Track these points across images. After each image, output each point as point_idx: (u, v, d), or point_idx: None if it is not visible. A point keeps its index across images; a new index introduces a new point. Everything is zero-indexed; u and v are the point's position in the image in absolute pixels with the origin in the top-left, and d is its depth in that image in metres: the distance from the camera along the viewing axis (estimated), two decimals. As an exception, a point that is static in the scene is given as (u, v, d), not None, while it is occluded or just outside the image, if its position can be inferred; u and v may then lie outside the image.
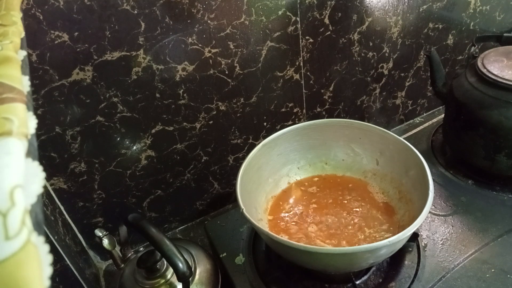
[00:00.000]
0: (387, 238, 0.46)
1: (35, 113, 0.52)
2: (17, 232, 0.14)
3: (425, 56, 0.87)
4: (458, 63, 0.96)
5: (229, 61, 0.65)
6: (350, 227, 0.62)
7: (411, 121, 1.01)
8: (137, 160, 0.67)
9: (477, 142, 0.70)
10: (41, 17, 0.49)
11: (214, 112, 0.69)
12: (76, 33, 0.52)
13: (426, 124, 0.97)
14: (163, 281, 0.56)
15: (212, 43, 0.62)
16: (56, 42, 0.51)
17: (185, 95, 0.65)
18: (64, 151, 0.60)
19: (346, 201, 0.66)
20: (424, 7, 0.81)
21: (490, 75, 0.67)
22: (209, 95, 0.67)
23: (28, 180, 0.17)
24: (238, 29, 0.63)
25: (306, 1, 0.67)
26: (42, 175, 0.18)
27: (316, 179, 0.72)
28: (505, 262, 0.59)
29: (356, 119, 0.84)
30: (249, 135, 0.76)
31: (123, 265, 0.61)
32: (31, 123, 0.19)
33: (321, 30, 0.72)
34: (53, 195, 0.62)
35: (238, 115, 0.72)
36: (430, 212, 0.66)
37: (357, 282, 0.59)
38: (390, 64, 0.86)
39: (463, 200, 0.70)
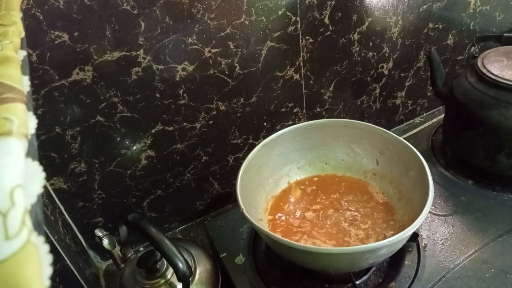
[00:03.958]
0: (387, 238, 0.46)
1: (35, 113, 0.52)
2: (17, 232, 0.14)
3: (425, 56, 0.87)
4: (458, 63, 0.96)
5: (229, 61, 0.65)
6: (350, 227, 0.61)
7: (411, 121, 1.01)
8: (137, 160, 0.67)
9: (477, 142, 0.70)
10: (41, 17, 0.49)
11: (214, 112, 0.69)
12: (76, 33, 0.52)
13: (426, 124, 0.97)
14: (163, 281, 0.56)
15: (212, 43, 0.62)
16: (56, 42, 0.51)
17: (185, 95, 0.65)
18: (64, 151, 0.60)
19: (346, 201, 0.66)
20: (424, 7, 0.81)
21: (490, 75, 0.67)
22: (209, 95, 0.67)
23: (28, 180, 0.17)
24: (238, 29, 0.63)
25: (306, 1, 0.67)
26: (42, 175, 0.18)
27: (316, 179, 0.72)
28: (505, 262, 0.59)
29: (356, 119, 0.84)
30: (249, 135, 0.76)
31: (123, 265, 0.61)
32: (31, 123, 0.19)
33: (321, 30, 0.72)
34: (53, 195, 0.62)
35: (238, 115, 0.72)
36: (430, 212, 0.66)
37: (357, 282, 0.59)
38: (390, 64, 0.86)
39: (463, 200, 0.70)
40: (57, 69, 0.53)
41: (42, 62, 0.52)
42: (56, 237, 0.53)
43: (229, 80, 0.67)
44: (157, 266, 0.56)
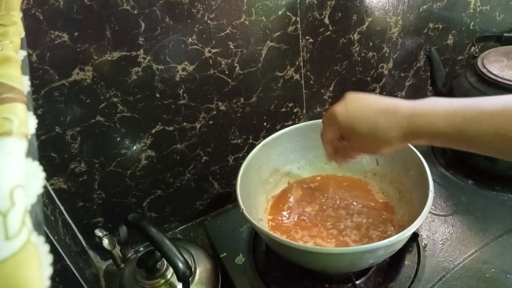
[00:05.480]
0: (387, 238, 0.46)
1: (35, 113, 0.52)
2: (17, 232, 0.14)
3: (425, 56, 0.87)
4: (458, 63, 0.96)
5: (229, 61, 0.65)
6: (350, 227, 0.61)
7: (411, 121, 1.01)
8: (137, 160, 0.67)
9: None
10: (41, 17, 0.49)
11: (214, 112, 0.69)
12: (76, 33, 0.52)
13: (426, 124, 0.97)
14: (163, 281, 0.56)
15: (212, 43, 0.62)
16: (56, 42, 0.51)
17: (185, 95, 0.65)
18: (64, 151, 0.60)
19: (346, 201, 0.66)
20: (424, 7, 0.81)
21: (490, 75, 0.67)
22: (209, 95, 0.67)
23: (28, 180, 0.17)
24: (238, 29, 0.63)
25: (306, 1, 0.67)
26: (42, 175, 0.18)
27: (316, 179, 0.72)
28: (505, 262, 0.58)
29: (356, 119, 0.84)
30: (249, 135, 0.76)
31: (123, 265, 0.61)
32: (31, 123, 0.19)
33: (321, 30, 0.72)
34: (53, 195, 0.62)
35: (238, 115, 0.72)
36: (430, 212, 0.66)
37: (357, 282, 0.59)
38: (390, 64, 0.86)
39: (463, 200, 0.70)
40: (57, 69, 0.53)
41: (42, 62, 0.52)
42: (56, 237, 0.53)
43: (229, 80, 0.67)
44: (157, 266, 0.56)
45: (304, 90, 0.77)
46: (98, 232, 0.57)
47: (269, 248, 0.64)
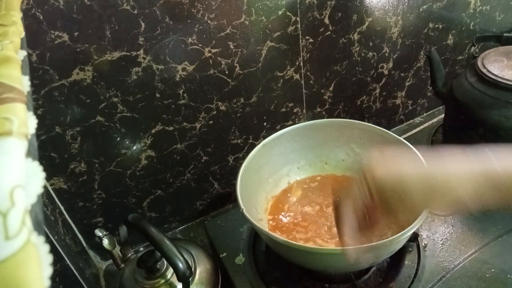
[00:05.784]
0: (387, 238, 0.46)
1: (35, 113, 0.52)
2: (17, 232, 0.14)
3: (425, 56, 0.87)
4: (458, 63, 0.96)
5: (229, 61, 0.65)
6: (350, 227, 0.61)
7: (411, 121, 1.01)
8: (137, 160, 0.67)
9: (477, 142, 0.70)
10: (41, 17, 0.49)
11: (214, 112, 0.69)
12: (76, 33, 0.52)
13: (426, 124, 0.97)
14: (163, 281, 0.56)
15: (212, 43, 0.62)
16: (56, 42, 0.51)
17: (185, 95, 0.65)
18: (64, 151, 0.60)
19: (346, 201, 0.66)
20: (424, 7, 0.81)
21: (490, 75, 0.67)
22: (209, 95, 0.67)
23: (28, 180, 0.17)
24: (238, 29, 0.63)
25: (306, 1, 0.67)
26: (42, 175, 0.18)
27: (316, 179, 0.72)
28: (505, 262, 0.58)
29: (356, 119, 0.84)
30: (249, 135, 0.76)
31: (123, 265, 0.61)
32: (31, 123, 0.19)
33: (321, 30, 0.72)
34: (53, 195, 0.62)
35: (238, 115, 0.72)
36: (430, 212, 0.66)
37: (357, 282, 0.59)
38: (390, 64, 0.86)
39: (463, 200, 0.70)
40: (57, 69, 0.53)
41: (42, 62, 0.52)
42: (56, 237, 0.53)
43: (229, 80, 0.67)
44: (157, 266, 0.56)
45: (304, 90, 0.77)
46: (98, 232, 0.57)
47: (269, 248, 0.64)
